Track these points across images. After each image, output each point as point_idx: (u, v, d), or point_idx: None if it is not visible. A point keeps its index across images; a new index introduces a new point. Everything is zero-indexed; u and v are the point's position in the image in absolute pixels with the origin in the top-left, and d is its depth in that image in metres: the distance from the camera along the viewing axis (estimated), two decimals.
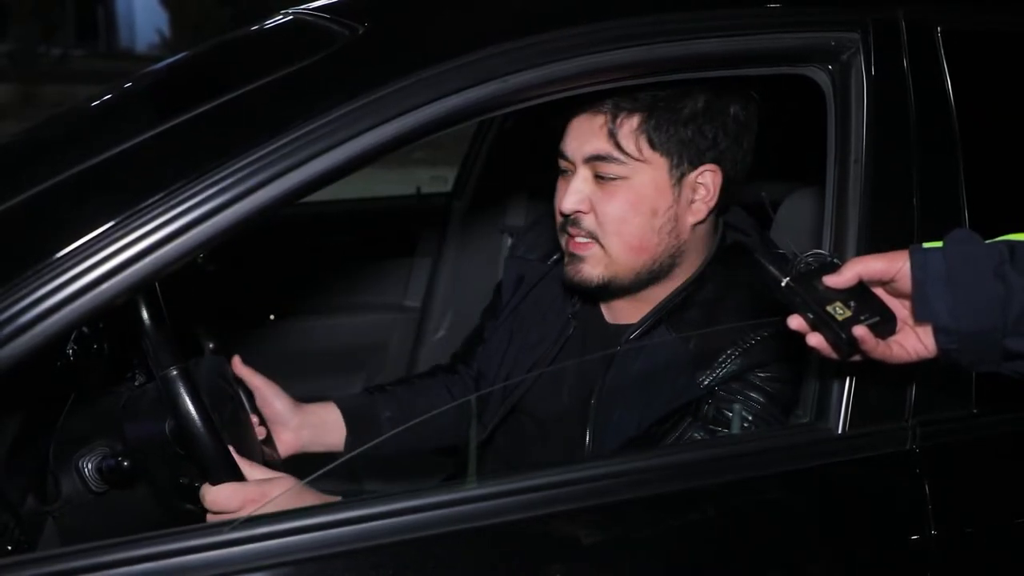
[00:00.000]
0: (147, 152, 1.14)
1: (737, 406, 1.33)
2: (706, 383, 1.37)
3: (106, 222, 1.04)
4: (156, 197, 1.06)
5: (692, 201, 1.43)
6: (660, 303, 1.46)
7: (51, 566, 1.01)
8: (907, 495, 1.27)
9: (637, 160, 1.38)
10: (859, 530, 1.25)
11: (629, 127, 1.38)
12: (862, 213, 1.27)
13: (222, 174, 1.07)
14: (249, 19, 1.82)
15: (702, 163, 1.41)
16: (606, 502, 1.17)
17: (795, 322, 1.11)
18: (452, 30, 1.29)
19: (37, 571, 1.01)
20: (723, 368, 1.37)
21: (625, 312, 1.51)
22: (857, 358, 1.12)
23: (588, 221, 1.41)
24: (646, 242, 1.41)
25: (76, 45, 16.47)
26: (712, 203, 1.44)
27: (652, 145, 1.38)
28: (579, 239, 1.42)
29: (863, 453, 1.26)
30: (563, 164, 1.45)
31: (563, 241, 1.47)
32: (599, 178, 1.40)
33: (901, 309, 1.11)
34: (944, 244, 1.07)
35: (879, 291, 1.11)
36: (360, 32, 1.29)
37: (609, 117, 1.38)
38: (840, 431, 1.25)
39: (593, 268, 1.43)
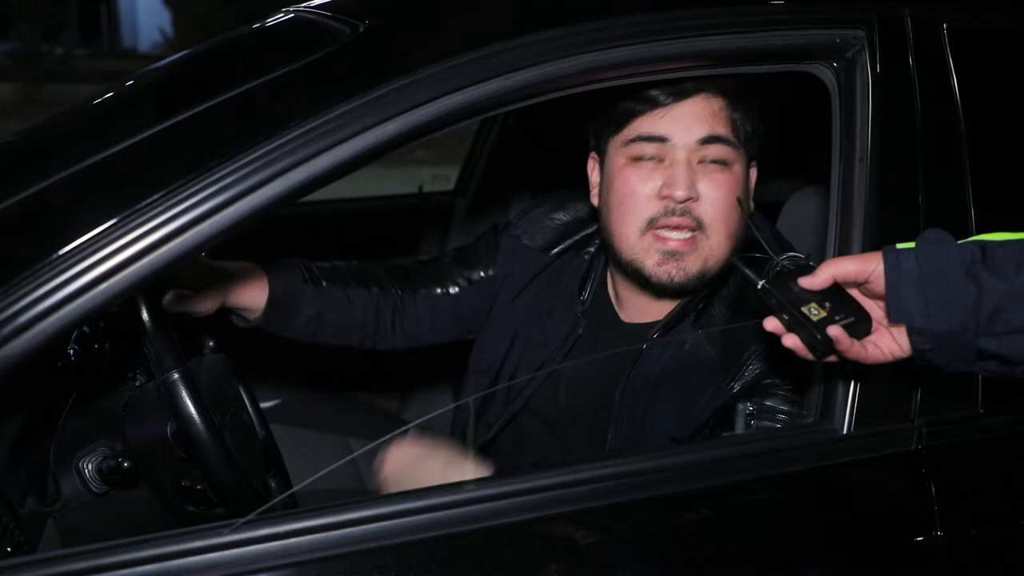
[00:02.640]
0: (147, 150, 1.13)
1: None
2: (736, 388, 1.36)
3: (106, 221, 1.03)
4: (157, 195, 1.05)
5: (750, 195, 1.46)
6: (686, 299, 1.44)
7: (51, 568, 1.00)
8: (913, 496, 1.26)
9: (741, 145, 1.41)
10: (864, 531, 1.24)
11: (742, 112, 1.40)
12: (867, 212, 1.26)
13: (223, 172, 1.07)
14: (252, 18, 1.81)
15: (753, 158, 1.46)
16: (610, 503, 1.16)
17: (771, 324, 1.12)
18: (454, 27, 1.29)
19: (37, 573, 1.00)
20: (748, 368, 1.37)
21: (646, 310, 1.47)
22: (833, 359, 1.12)
23: (699, 209, 1.37)
24: (737, 231, 1.41)
25: (79, 44, 16.49)
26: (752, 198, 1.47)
27: (747, 135, 1.41)
28: (686, 232, 1.37)
29: (868, 453, 1.25)
30: (649, 149, 1.38)
31: (645, 241, 1.38)
32: (699, 163, 1.38)
33: (876, 310, 1.11)
34: (916, 245, 1.07)
35: (854, 292, 1.12)
36: (361, 30, 1.28)
37: (727, 102, 1.38)
38: (845, 431, 1.24)
39: (694, 264, 1.38)
